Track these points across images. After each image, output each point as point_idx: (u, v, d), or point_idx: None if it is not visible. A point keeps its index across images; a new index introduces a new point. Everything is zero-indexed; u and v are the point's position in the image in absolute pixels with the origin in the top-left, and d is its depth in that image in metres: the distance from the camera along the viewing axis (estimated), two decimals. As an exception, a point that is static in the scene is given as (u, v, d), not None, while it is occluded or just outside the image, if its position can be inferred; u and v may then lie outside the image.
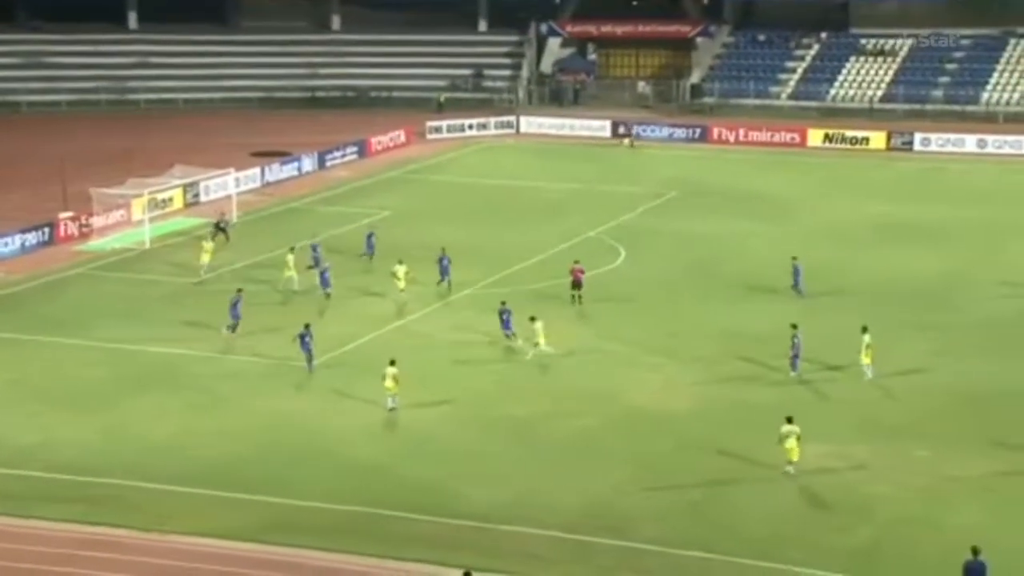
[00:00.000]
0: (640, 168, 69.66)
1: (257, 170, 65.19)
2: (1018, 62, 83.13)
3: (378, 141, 74.54)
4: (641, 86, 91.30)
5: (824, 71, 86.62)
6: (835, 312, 42.48)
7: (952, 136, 73.43)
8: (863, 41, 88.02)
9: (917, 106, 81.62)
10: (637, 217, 57.62)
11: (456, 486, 30.30)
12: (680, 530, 28.14)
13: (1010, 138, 72.33)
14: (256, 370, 38.04)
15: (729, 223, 55.83)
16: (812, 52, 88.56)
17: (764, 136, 76.40)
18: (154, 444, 32.67)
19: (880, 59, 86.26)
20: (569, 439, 33.20)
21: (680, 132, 78.52)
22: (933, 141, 73.45)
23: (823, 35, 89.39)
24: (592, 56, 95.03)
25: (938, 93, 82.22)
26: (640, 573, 26.40)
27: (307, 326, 37.68)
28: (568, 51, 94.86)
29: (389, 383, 34.30)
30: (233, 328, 40.22)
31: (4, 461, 31.41)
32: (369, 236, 50.46)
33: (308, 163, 68.77)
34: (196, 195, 60.46)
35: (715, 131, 77.66)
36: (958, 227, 54.59)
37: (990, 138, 72.64)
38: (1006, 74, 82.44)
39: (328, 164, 69.86)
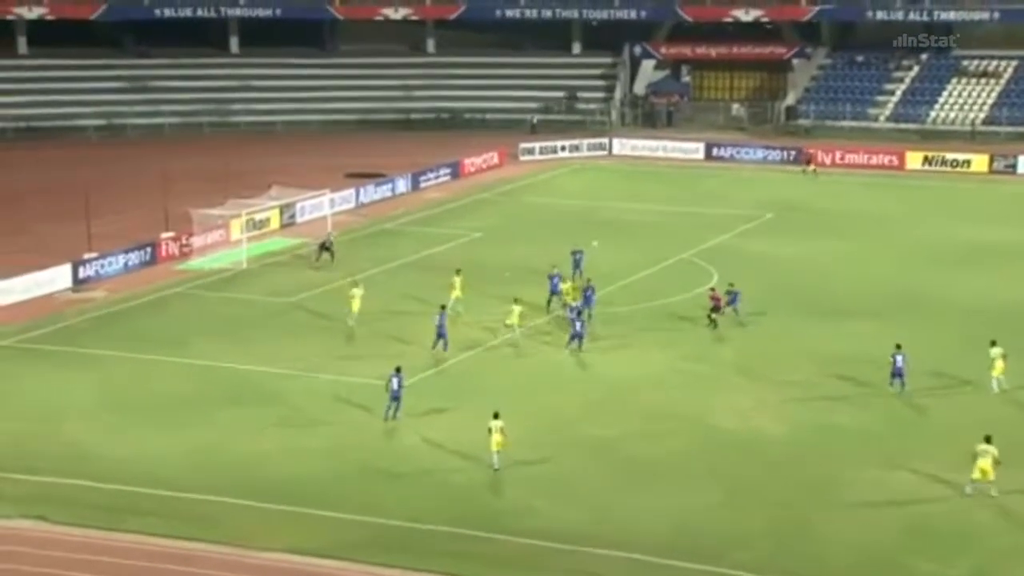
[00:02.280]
0: (734, 191, 69.02)
1: (352, 191, 65.94)
2: None
3: (471, 163, 74.95)
4: (735, 108, 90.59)
5: (924, 93, 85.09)
6: (928, 332, 41.56)
7: (1057, 158, 71.59)
8: (965, 62, 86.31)
9: (1021, 128, 79.71)
10: (731, 239, 57.09)
11: (539, 506, 30.17)
12: (767, 556, 27.66)
13: (1118, 160, 70.31)
14: (350, 391, 38.25)
15: (823, 244, 55.03)
16: (912, 73, 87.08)
17: (861, 159, 75.22)
18: (241, 460, 33.03)
19: (983, 80, 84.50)
20: (656, 460, 32.89)
21: (775, 154, 77.67)
22: (1037, 164, 71.64)
23: (924, 56, 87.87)
24: (686, 78, 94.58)
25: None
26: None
27: (398, 369, 35.80)
28: (662, 73, 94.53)
29: (498, 437, 31.48)
30: (443, 345, 40.42)
31: (93, 474, 31.93)
32: (577, 257, 49.33)
33: (402, 184, 69.36)
34: (292, 216, 61.35)
35: (812, 154, 76.66)
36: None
37: (1097, 160, 70.68)
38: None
39: (422, 185, 70.40)
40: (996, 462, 29.86)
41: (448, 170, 73.01)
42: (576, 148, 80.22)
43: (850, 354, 40.02)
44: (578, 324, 40.91)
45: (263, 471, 32.35)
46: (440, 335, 40.66)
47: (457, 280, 45.47)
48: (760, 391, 37.67)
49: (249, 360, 40.70)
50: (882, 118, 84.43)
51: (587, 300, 43.60)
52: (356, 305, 43.95)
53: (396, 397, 35.27)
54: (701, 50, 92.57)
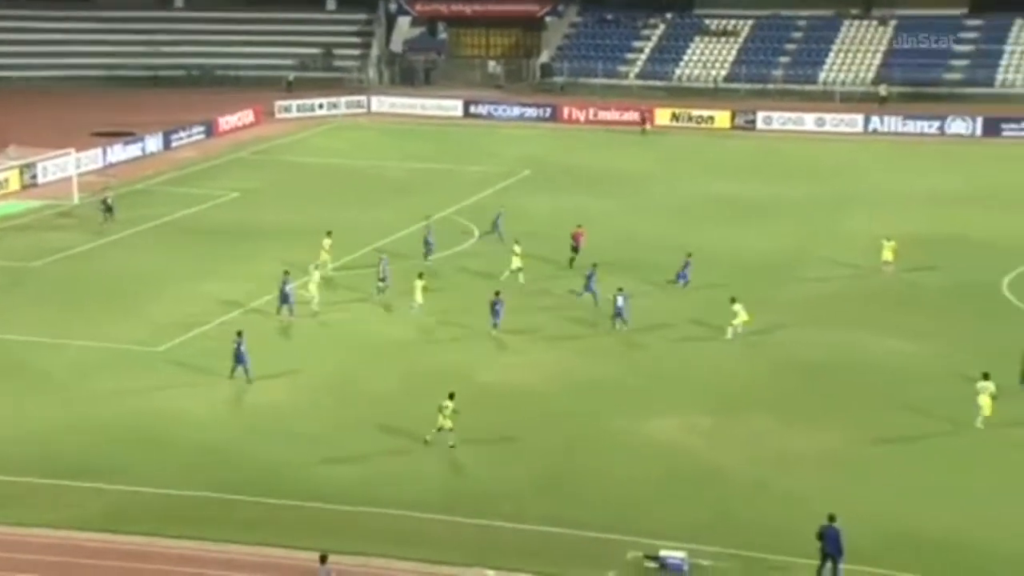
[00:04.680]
0: (492, 148, 69.90)
1: (99, 151, 63.32)
2: (852, 43, 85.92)
3: (226, 121, 73.12)
4: (491, 66, 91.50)
5: (670, 51, 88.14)
6: (676, 287, 43.43)
7: (792, 115, 75.56)
8: (707, 21, 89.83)
9: (759, 85, 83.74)
10: (490, 196, 57.86)
11: (308, 467, 30.07)
12: (532, 507, 28.43)
13: (846, 116, 74.79)
14: (100, 357, 37.02)
15: (580, 200, 56.49)
16: (658, 32, 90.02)
17: (613, 115, 77.45)
18: (-7, 435, 31.60)
19: (723, 39, 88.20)
20: (422, 417, 33.23)
21: (531, 111, 79.04)
22: (775, 120, 75.44)
23: (668, 15, 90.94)
24: (442, 35, 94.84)
25: (778, 73, 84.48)
26: (498, 549, 26.63)
27: (239, 333, 35.36)
28: (418, 30, 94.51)
29: (446, 422, 30.67)
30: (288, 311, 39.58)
31: None
32: (497, 217, 49.59)
33: (153, 143, 67.09)
34: (34, 176, 58.43)
35: (565, 110, 78.41)
36: (797, 204, 56.24)
37: (828, 116, 75.01)
38: (841, 54, 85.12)
39: (174, 144, 68.27)
40: (993, 397, 31.66)
41: (202, 128, 71.00)
42: (334, 106, 79.41)
43: (607, 307, 41.28)
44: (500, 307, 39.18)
45: (14, 443, 30.94)
46: (285, 300, 39.95)
47: (327, 242, 44.77)
48: (520, 344, 38.49)
49: (-7, 330, 38.78)
50: (632, 75, 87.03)
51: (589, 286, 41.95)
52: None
53: (240, 360, 34.81)
54: (456, 7, 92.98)
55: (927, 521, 27.58)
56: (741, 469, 30.36)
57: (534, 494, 29.17)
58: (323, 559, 24.45)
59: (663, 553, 25.92)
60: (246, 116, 74.92)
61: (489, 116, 79.15)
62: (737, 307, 38.87)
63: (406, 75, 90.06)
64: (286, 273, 40.92)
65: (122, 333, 38.71)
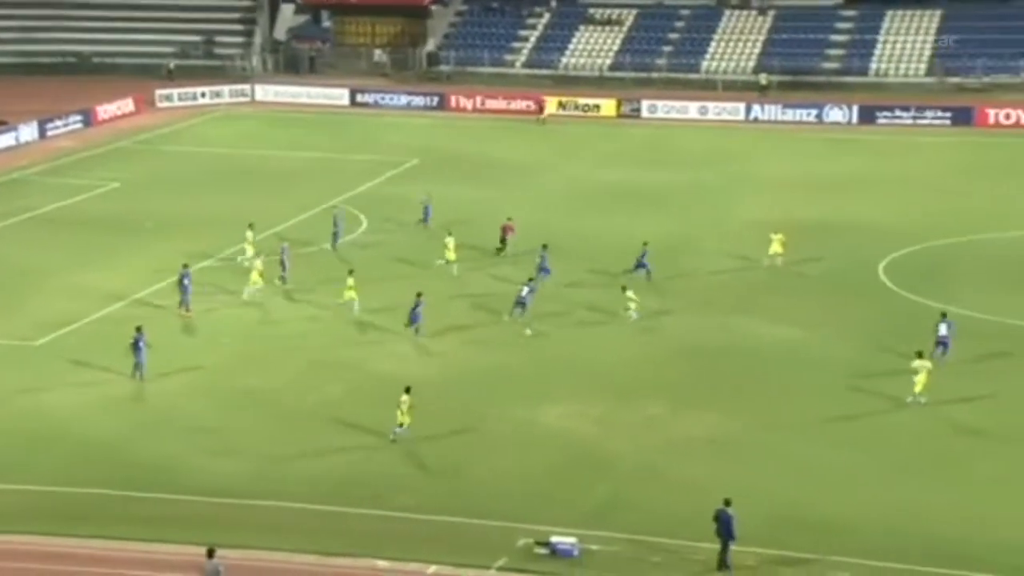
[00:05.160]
0: (380, 137, 69.48)
1: (-31, 140, 61.37)
2: (733, 32, 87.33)
3: (104, 110, 71.39)
4: (377, 54, 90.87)
5: (556, 40, 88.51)
6: (562, 276, 43.73)
7: (676, 103, 76.50)
8: (591, 10, 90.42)
9: (644, 74, 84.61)
10: (378, 186, 57.52)
11: (197, 461, 29.60)
12: (428, 497, 28.44)
13: (728, 105, 76.01)
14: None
15: (469, 190, 56.47)
16: (543, 21, 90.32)
17: (501, 104, 77.57)
18: None
19: (608, 28, 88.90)
20: (315, 409, 32.96)
21: (418, 100, 78.74)
22: (659, 108, 76.31)
23: (553, 4, 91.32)
24: (327, 23, 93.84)
25: (662, 62, 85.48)
26: (392, 540, 26.56)
27: (139, 328, 34.74)
28: (303, 18, 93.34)
29: (404, 418, 30.74)
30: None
31: None
32: (426, 207, 49.82)
33: (27, 132, 65.24)
34: (-99, 168, 56.41)
35: (452, 99, 78.29)
36: (685, 191, 56.96)
37: (711, 105, 76.15)
38: (722, 44, 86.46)
39: (50, 133, 66.46)
40: (928, 372, 32.85)
41: (79, 117, 69.22)
42: (217, 95, 78.06)
43: (501, 295, 41.39)
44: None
45: None
46: (184, 292, 39.45)
47: (249, 234, 44.15)
48: (415, 335, 38.36)
49: None
50: (518, 64, 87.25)
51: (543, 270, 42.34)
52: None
53: (138, 355, 34.15)
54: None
55: (817, 503, 28.22)
56: (633, 455, 30.74)
57: (428, 484, 29.16)
58: (210, 553, 24.09)
59: (554, 539, 26.16)
60: (126, 105, 73.24)
61: (376, 105, 78.63)
62: (630, 293, 39.37)
63: (291, 63, 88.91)
64: (185, 266, 40.19)
65: (0, 328, 37.58)
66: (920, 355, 33.42)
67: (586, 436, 31.75)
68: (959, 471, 29.85)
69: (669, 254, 46.38)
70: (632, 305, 39.30)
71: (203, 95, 77.71)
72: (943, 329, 35.78)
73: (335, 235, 46.60)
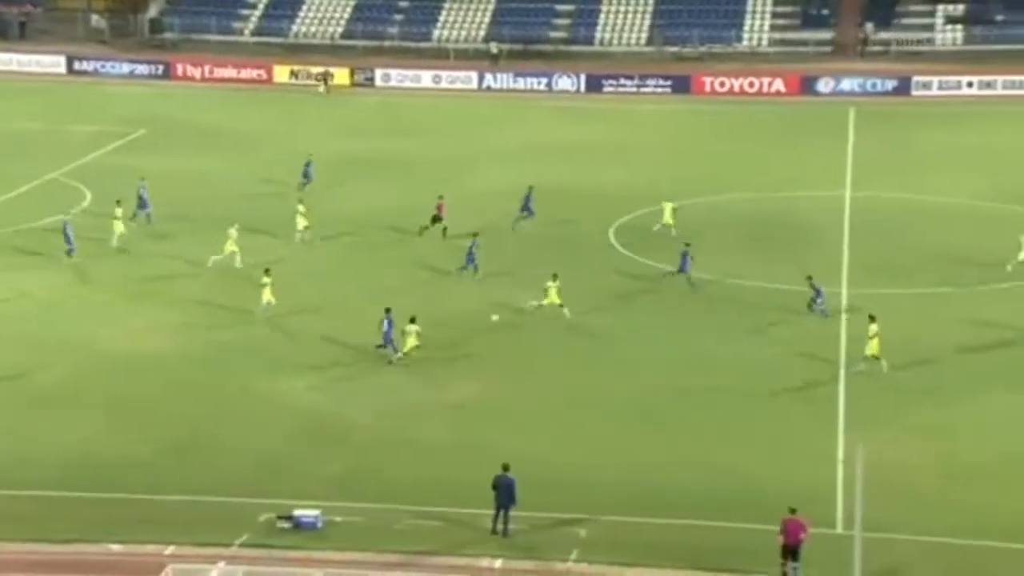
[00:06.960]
0: (102, 106, 66.53)
1: None
2: (463, 1, 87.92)
3: None
4: (95, 20, 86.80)
5: (285, 7, 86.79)
6: (311, 251, 43.26)
7: (410, 72, 76.65)
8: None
9: (376, 42, 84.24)
10: (102, 156, 55.12)
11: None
12: (166, 475, 27.72)
13: (461, 74, 76.69)
14: None
15: (199, 161, 54.86)
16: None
17: (231, 72, 75.66)
18: None
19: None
20: (44, 392, 31.51)
21: (142, 68, 75.83)
22: (393, 77, 76.26)
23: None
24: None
25: (394, 30, 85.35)
26: (124, 523, 25.77)
27: None
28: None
29: (412, 340, 33.71)
30: None
31: None
32: (307, 165, 49.91)
33: None
34: None
35: (179, 67, 75.79)
36: (423, 161, 56.98)
37: (444, 74, 76.65)
38: (453, 12, 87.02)
39: None
40: (876, 335, 33.40)
41: None
42: (-83, 62, 72.81)
43: (245, 270, 40.47)
44: None
45: None
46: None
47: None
48: (154, 312, 37.24)
49: None
50: (247, 32, 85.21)
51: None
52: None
53: None
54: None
55: (584, 466, 28.70)
56: (373, 424, 30.83)
57: (164, 463, 28.42)
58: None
59: (296, 512, 26.00)
60: None
61: (96, 73, 75.25)
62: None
63: None
64: None
65: None
66: (873, 319, 34.26)
67: (325, 407, 31.61)
68: (681, 426, 31.28)
69: (411, 224, 46.14)
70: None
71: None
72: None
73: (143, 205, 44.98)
